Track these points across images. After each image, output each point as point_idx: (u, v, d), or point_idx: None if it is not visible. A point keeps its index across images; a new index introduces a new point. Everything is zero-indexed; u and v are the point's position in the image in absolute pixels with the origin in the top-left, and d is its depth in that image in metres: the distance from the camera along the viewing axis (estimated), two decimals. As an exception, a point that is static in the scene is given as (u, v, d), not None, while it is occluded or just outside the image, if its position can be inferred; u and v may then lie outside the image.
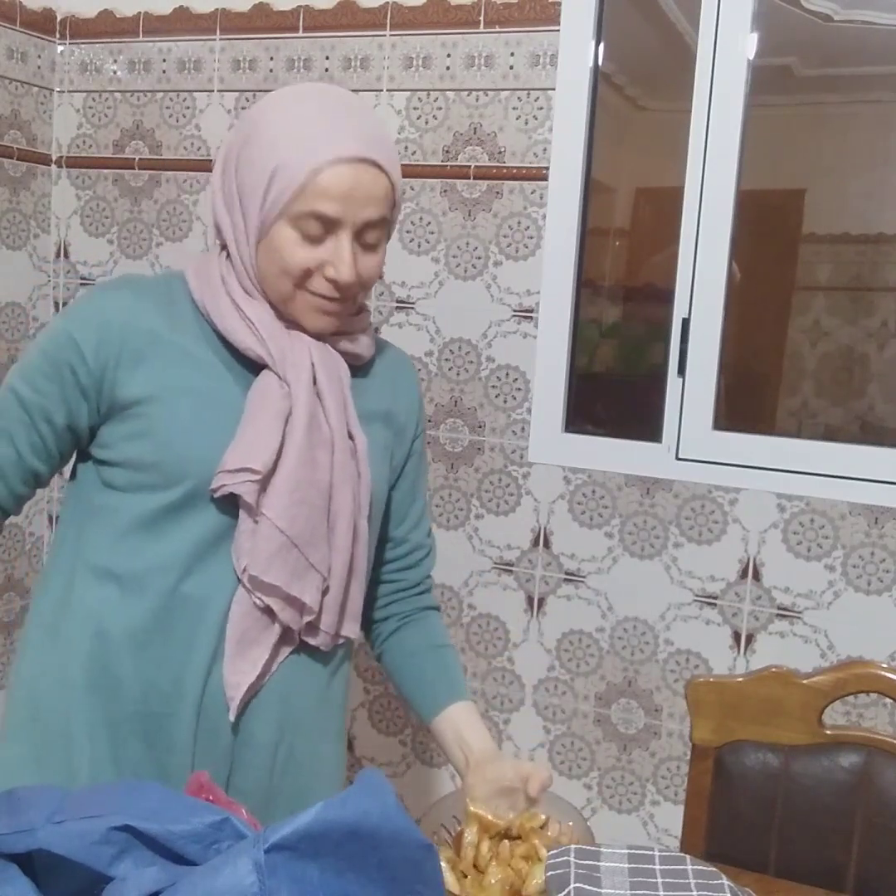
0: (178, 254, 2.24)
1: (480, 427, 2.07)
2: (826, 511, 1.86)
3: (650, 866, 0.94)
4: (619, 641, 2.01)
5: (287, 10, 2.12)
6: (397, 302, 2.10)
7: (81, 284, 2.36)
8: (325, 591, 1.16)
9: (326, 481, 1.14)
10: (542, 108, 1.96)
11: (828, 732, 1.30)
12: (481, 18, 1.98)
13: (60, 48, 2.32)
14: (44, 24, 2.27)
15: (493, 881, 0.98)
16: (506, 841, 1.03)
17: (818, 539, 1.87)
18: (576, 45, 1.93)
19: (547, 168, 1.97)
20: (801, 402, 2.24)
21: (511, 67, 1.97)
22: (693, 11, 1.87)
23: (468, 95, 2.01)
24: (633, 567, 1.99)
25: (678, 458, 1.95)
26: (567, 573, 2.04)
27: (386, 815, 0.64)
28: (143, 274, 1.31)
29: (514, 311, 2.02)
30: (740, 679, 1.34)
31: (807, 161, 2.21)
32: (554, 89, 1.95)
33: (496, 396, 2.05)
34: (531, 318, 2.01)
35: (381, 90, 2.07)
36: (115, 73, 2.28)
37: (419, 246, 2.07)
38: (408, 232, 2.08)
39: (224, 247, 1.17)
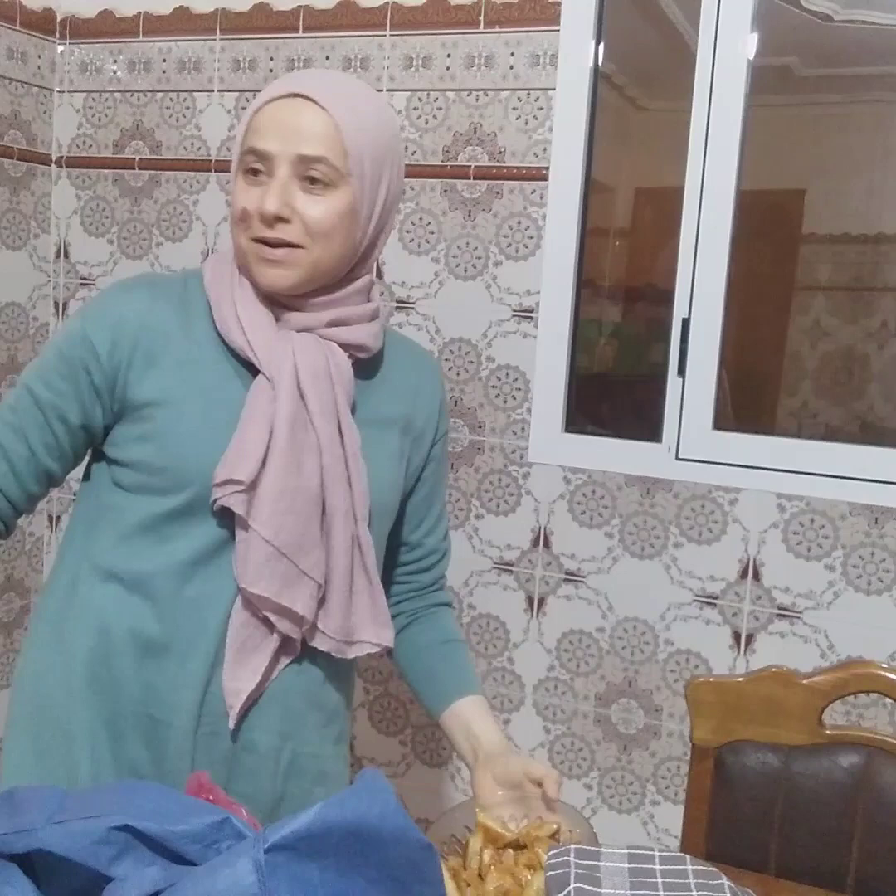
0: (178, 254, 2.24)
1: (480, 427, 2.07)
2: (826, 511, 1.86)
3: (650, 866, 0.94)
4: (619, 641, 2.01)
5: (287, 10, 2.12)
6: (397, 302, 2.10)
7: (81, 284, 2.36)
8: (323, 598, 1.14)
9: (315, 486, 1.12)
10: (542, 108, 1.96)
11: (828, 732, 1.30)
12: (481, 18, 1.98)
13: (60, 48, 2.32)
14: (44, 24, 2.27)
15: (491, 888, 0.97)
16: (510, 850, 1.03)
17: (818, 539, 1.87)
18: (576, 45, 1.93)
19: (547, 168, 1.97)
20: (801, 402, 2.25)
21: (511, 67, 1.97)
22: (693, 11, 1.87)
23: (468, 95, 2.01)
24: (633, 567, 1.99)
25: (678, 458, 1.95)
26: (567, 573, 2.04)
27: (386, 815, 0.64)
28: (162, 273, 1.31)
29: (514, 311, 2.02)
30: (740, 679, 1.34)
31: (807, 161, 2.21)
32: (554, 89, 1.95)
33: (496, 396, 2.05)
34: (531, 318, 2.01)
35: (381, 90, 2.06)
36: (115, 73, 2.28)
37: (419, 246, 2.07)
38: (408, 232, 2.08)
39: None
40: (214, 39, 2.18)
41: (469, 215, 2.04)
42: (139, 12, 2.23)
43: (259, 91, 2.16)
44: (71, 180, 2.34)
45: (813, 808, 1.30)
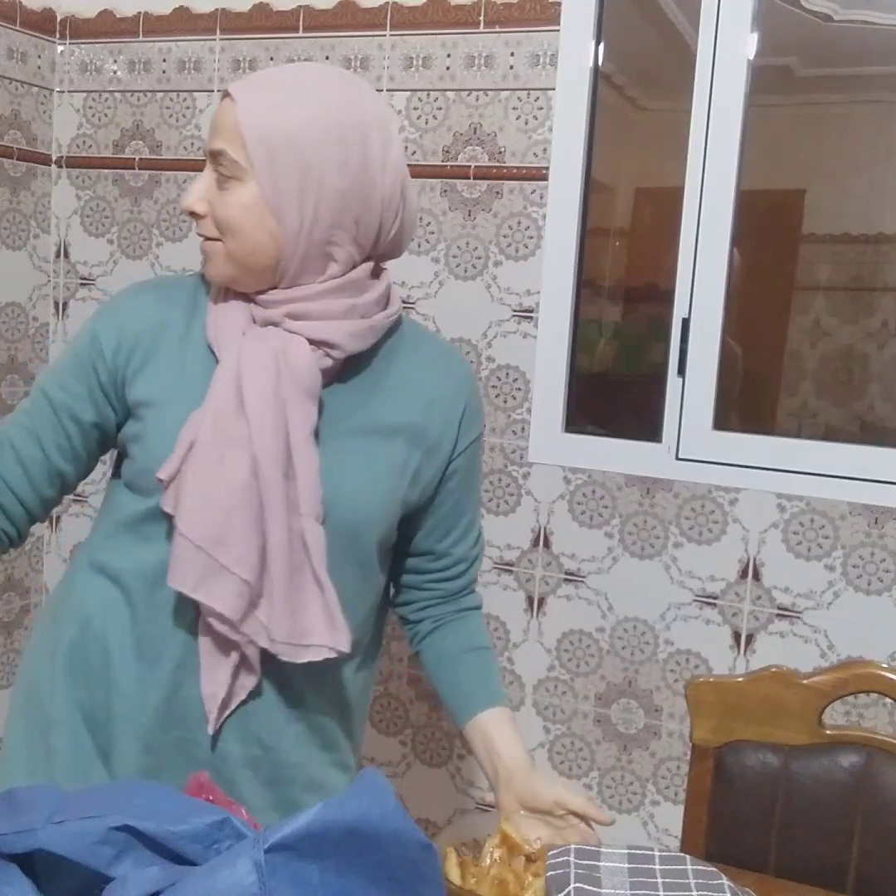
0: (177, 254, 2.24)
1: (480, 427, 2.07)
2: (826, 511, 1.86)
3: (650, 866, 0.94)
4: (619, 641, 2.01)
5: (287, 10, 2.12)
6: (397, 302, 2.10)
7: (81, 285, 2.36)
8: (261, 597, 1.09)
9: (242, 479, 1.07)
10: (542, 108, 1.96)
11: (828, 732, 1.30)
12: (481, 18, 1.98)
13: (60, 48, 2.32)
14: (44, 24, 2.27)
15: (491, 873, 0.99)
16: (523, 858, 1.03)
17: (818, 539, 1.87)
18: (576, 45, 1.93)
19: (547, 168, 1.97)
20: (801, 402, 2.24)
21: (511, 67, 1.97)
22: (693, 11, 1.87)
23: (468, 95, 2.01)
24: (633, 567, 1.99)
25: (678, 458, 1.95)
26: (567, 573, 2.04)
27: (386, 815, 0.64)
28: (182, 275, 1.30)
29: (514, 311, 2.02)
30: (740, 679, 1.34)
31: (807, 161, 2.21)
32: (554, 89, 1.95)
33: (496, 396, 2.05)
34: (531, 318, 2.01)
35: (382, 90, 2.06)
36: (115, 73, 2.28)
37: (419, 246, 2.07)
38: (408, 232, 2.08)
39: None
40: (214, 39, 2.18)
41: (469, 215, 2.04)
42: (139, 12, 2.23)
43: (259, 91, 2.17)
44: (71, 180, 2.34)
45: (813, 808, 1.30)
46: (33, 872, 0.68)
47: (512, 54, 1.97)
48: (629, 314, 2.31)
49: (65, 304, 2.37)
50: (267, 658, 1.12)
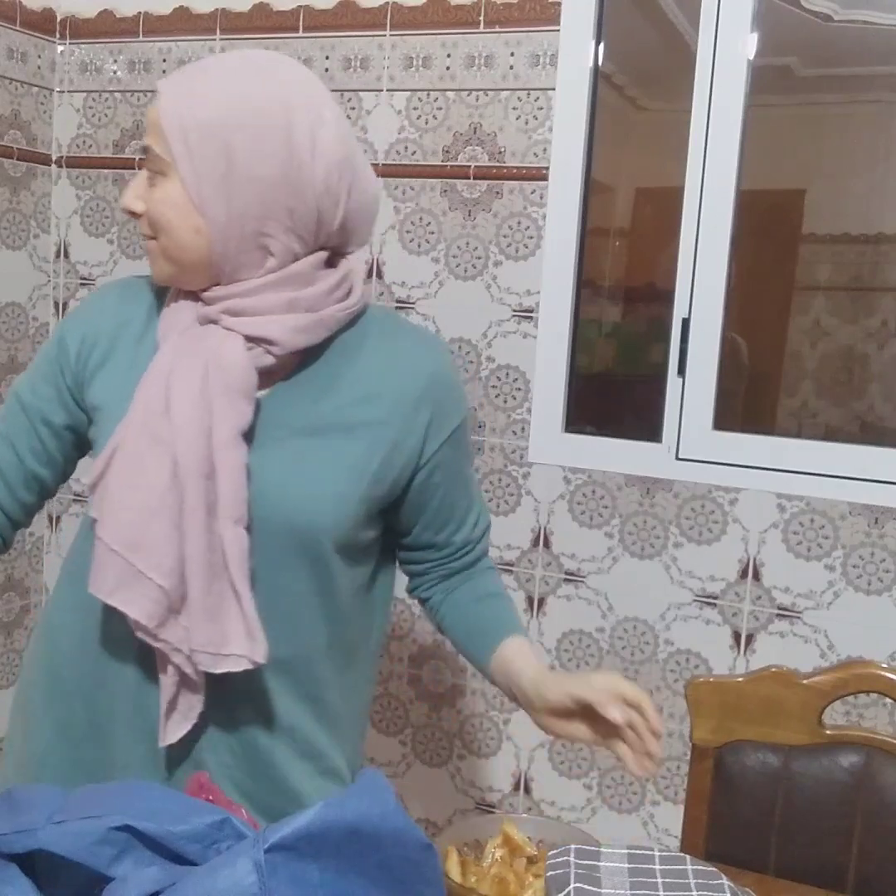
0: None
1: (480, 427, 2.07)
2: (826, 511, 1.86)
3: (650, 866, 0.94)
4: (619, 641, 2.01)
5: (287, 10, 2.12)
6: (397, 302, 2.10)
7: (81, 284, 2.36)
8: (182, 605, 1.05)
9: (162, 483, 1.03)
10: (542, 108, 1.96)
11: (828, 732, 1.30)
12: (481, 18, 1.98)
13: (60, 48, 2.32)
14: (44, 24, 2.27)
15: (491, 872, 0.99)
16: (525, 859, 1.03)
17: (818, 539, 1.87)
18: (576, 45, 1.93)
19: (547, 168, 1.97)
20: (801, 402, 2.24)
21: (511, 67, 1.97)
22: (693, 11, 1.87)
23: (468, 95, 2.01)
24: (633, 567, 1.99)
25: (678, 458, 1.95)
26: (567, 573, 2.04)
27: (386, 815, 0.64)
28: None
29: (514, 311, 2.02)
30: (740, 679, 1.34)
31: (807, 161, 2.21)
32: (554, 89, 1.95)
33: (496, 396, 2.05)
34: (531, 318, 2.01)
35: (381, 90, 2.07)
36: (115, 73, 2.28)
37: (419, 246, 2.07)
38: (408, 232, 2.08)
39: None
40: (214, 39, 2.18)
41: (469, 215, 2.04)
42: (139, 12, 2.23)
43: (259, 91, 2.17)
44: (71, 180, 2.34)
45: (813, 808, 1.30)
46: (33, 872, 0.68)
47: (512, 54, 1.97)
48: (629, 314, 2.31)
49: (65, 304, 2.37)
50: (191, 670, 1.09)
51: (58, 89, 2.33)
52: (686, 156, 1.89)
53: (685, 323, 1.92)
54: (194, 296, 1.11)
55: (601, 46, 1.95)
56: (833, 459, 1.86)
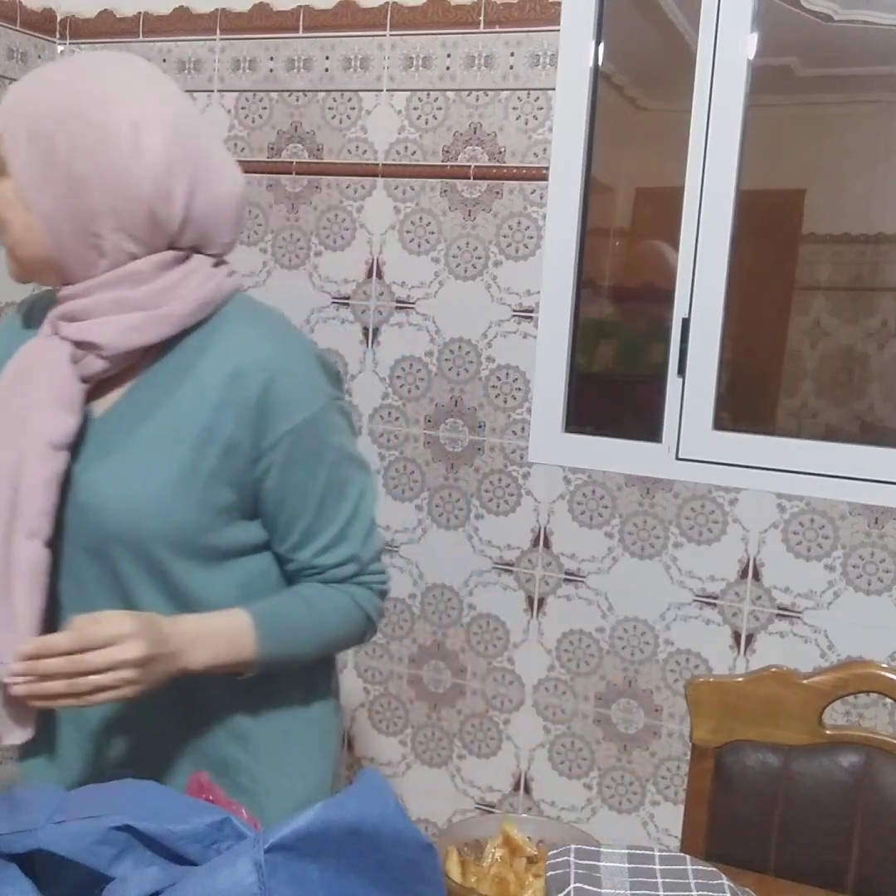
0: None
1: (480, 427, 2.07)
2: (826, 511, 1.86)
3: (650, 866, 0.94)
4: (619, 641, 2.01)
5: (287, 10, 2.12)
6: (397, 302, 2.10)
7: (81, 284, 2.35)
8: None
9: None
10: (542, 108, 1.96)
11: (828, 732, 1.30)
12: (481, 18, 1.98)
13: (60, 48, 2.31)
14: (44, 24, 2.27)
15: (491, 872, 0.99)
16: (524, 859, 1.03)
17: (818, 539, 1.87)
18: (576, 45, 1.93)
19: (547, 168, 1.97)
20: (801, 402, 2.24)
21: (511, 67, 1.97)
22: (693, 11, 1.87)
23: (468, 95, 2.01)
24: (633, 567, 1.99)
25: (678, 458, 1.95)
26: (567, 573, 2.04)
27: (385, 815, 0.64)
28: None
29: (514, 311, 2.02)
30: (740, 679, 1.34)
31: (807, 161, 2.21)
32: (554, 89, 1.95)
33: (496, 396, 2.05)
34: (531, 318, 2.01)
35: (381, 90, 2.06)
36: (115, 73, 2.28)
37: (419, 246, 2.07)
38: (408, 232, 2.08)
39: None
40: (214, 39, 2.18)
41: (469, 215, 2.04)
42: (139, 12, 2.23)
43: (259, 91, 2.18)
44: (71, 180, 2.34)
45: (813, 808, 1.30)
46: (33, 872, 0.68)
47: (512, 54, 1.97)
48: (629, 314, 2.31)
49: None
50: None
51: (58, 89, 2.33)
52: (686, 156, 1.89)
53: (685, 323, 1.92)
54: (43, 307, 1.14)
55: (601, 46, 1.95)
56: (833, 459, 1.86)
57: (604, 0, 1.94)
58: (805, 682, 1.30)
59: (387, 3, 2.04)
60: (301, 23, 2.11)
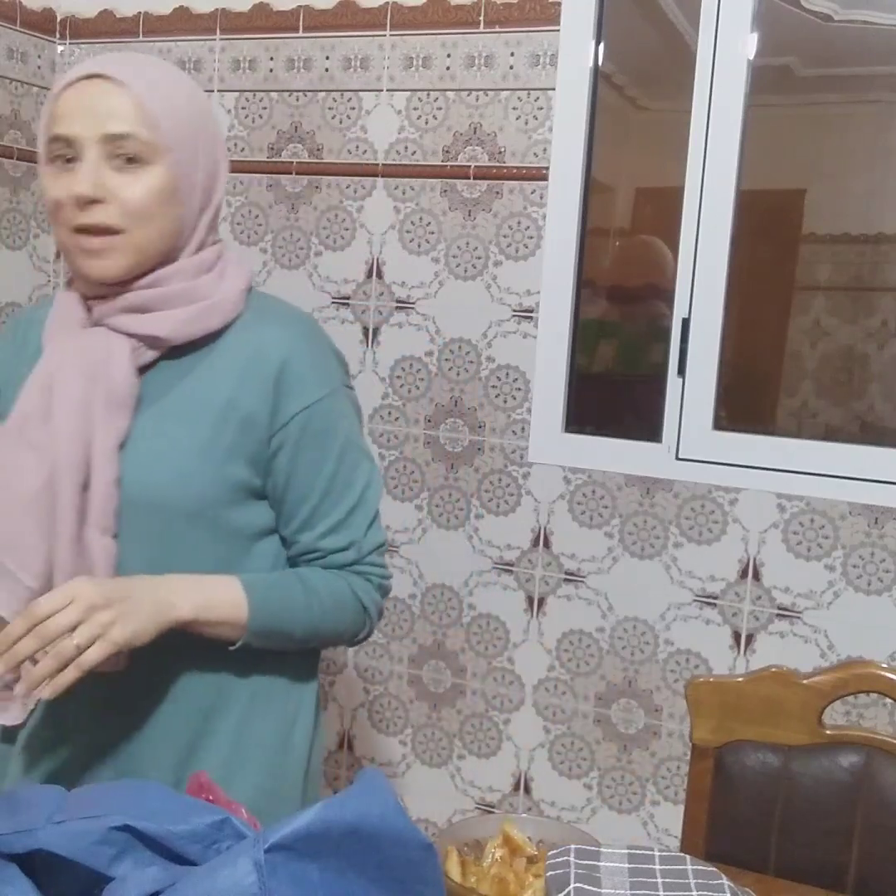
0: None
1: (480, 427, 2.07)
2: (826, 511, 1.86)
3: (650, 866, 0.93)
4: (619, 641, 2.01)
5: (287, 10, 2.12)
6: (397, 302, 2.10)
7: (81, 284, 2.35)
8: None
9: (37, 487, 1.05)
10: (542, 108, 1.96)
11: (828, 732, 1.30)
12: (481, 18, 1.98)
13: (60, 48, 2.31)
14: (44, 24, 2.27)
15: (491, 872, 0.99)
16: (524, 859, 1.03)
17: (818, 539, 1.87)
18: (576, 45, 1.93)
19: (547, 168, 1.97)
20: (801, 402, 2.24)
21: (511, 67, 1.97)
22: (693, 11, 1.87)
23: (468, 95, 2.01)
24: (633, 567, 1.99)
25: (678, 458, 1.95)
26: (567, 573, 2.04)
27: (386, 815, 0.64)
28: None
29: (514, 311, 2.02)
30: (740, 679, 1.34)
31: (807, 161, 2.21)
32: (554, 89, 1.95)
33: (496, 396, 2.05)
34: (531, 318, 2.01)
35: (381, 90, 2.06)
36: (115, 73, 2.28)
37: (419, 246, 2.07)
38: (408, 232, 2.08)
39: None
40: (214, 39, 2.18)
41: (469, 215, 2.04)
42: (139, 12, 2.23)
43: (259, 91, 2.17)
44: (71, 180, 2.34)
45: (813, 808, 1.30)
46: (33, 872, 0.68)
47: (512, 54, 1.97)
48: (629, 314, 2.31)
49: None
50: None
51: (58, 89, 2.33)
52: (686, 156, 1.89)
53: (685, 323, 1.92)
54: (81, 296, 1.13)
55: (601, 46, 1.95)
56: (833, 459, 1.86)
57: (604, 0, 1.94)
58: (805, 682, 1.30)
59: (387, 3, 2.04)
60: (301, 23, 2.11)
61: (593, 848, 0.96)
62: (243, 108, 2.18)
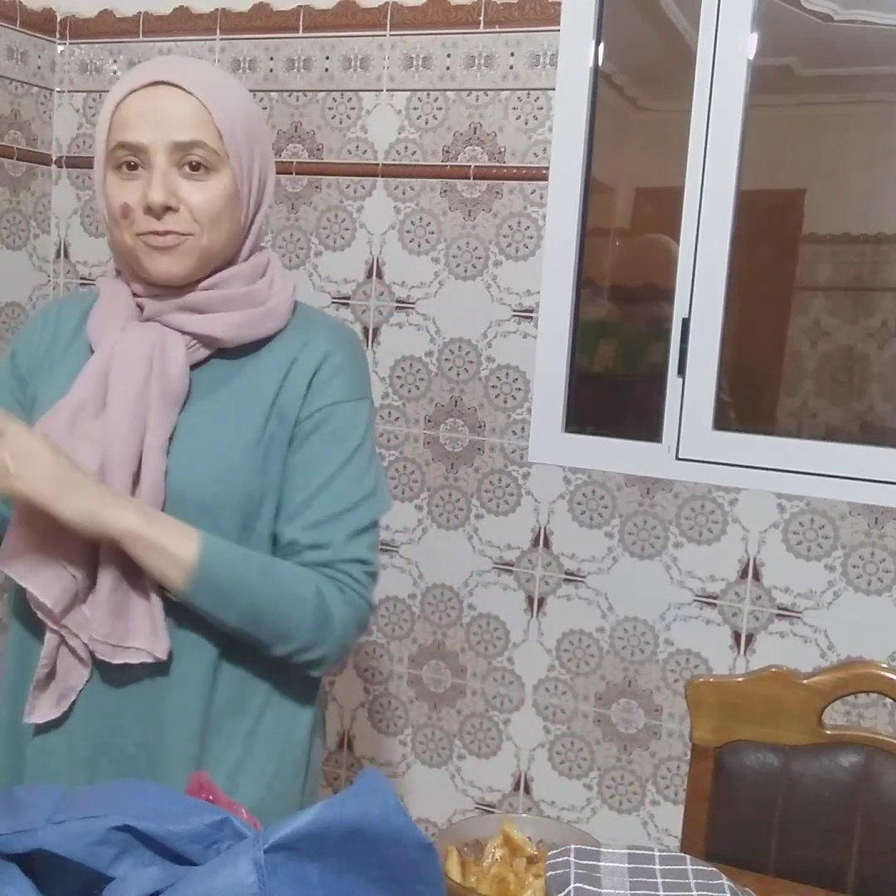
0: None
1: (480, 427, 2.07)
2: (826, 511, 1.86)
3: (650, 866, 0.93)
4: (619, 641, 2.01)
5: (287, 10, 2.12)
6: (397, 302, 2.10)
7: (81, 284, 2.36)
8: (90, 594, 1.08)
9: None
10: (542, 108, 1.96)
11: (828, 732, 1.30)
12: (481, 18, 1.98)
13: (60, 48, 2.31)
14: (44, 24, 2.27)
15: (491, 872, 0.99)
16: (524, 860, 1.03)
17: (818, 539, 1.87)
18: (576, 45, 1.93)
19: (547, 168, 1.97)
20: (801, 402, 2.24)
21: (511, 67, 1.97)
22: (693, 11, 1.87)
23: (468, 95, 2.01)
24: (633, 567, 1.99)
25: (678, 458, 1.95)
26: (567, 573, 2.04)
27: (386, 815, 0.64)
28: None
29: (514, 311, 2.02)
30: (740, 679, 1.34)
31: (807, 161, 2.21)
32: (554, 89, 1.95)
33: (496, 396, 2.05)
34: (531, 318, 2.01)
35: (381, 90, 2.06)
36: (115, 73, 2.28)
37: (419, 246, 2.07)
38: (408, 232, 2.08)
39: None
40: (214, 39, 2.18)
41: (469, 215, 2.04)
42: (139, 12, 2.23)
43: (259, 91, 2.17)
44: (71, 180, 2.34)
45: (813, 808, 1.30)
46: (33, 872, 0.68)
47: (512, 54, 1.97)
48: (629, 314, 2.31)
49: (65, 304, 2.37)
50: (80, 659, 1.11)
51: (58, 89, 2.33)
52: (686, 156, 1.89)
53: (685, 323, 1.92)
54: (130, 293, 1.14)
55: (601, 46, 1.95)
56: (833, 459, 1.86)
57: (604, 0, 1.94)
58: (805, 682, 1.31)
59: (387, 3, 2.04)
60: (301, 23, 2.11)
61: (593, 848, 0.96)
62: (243, 108, 2.17)
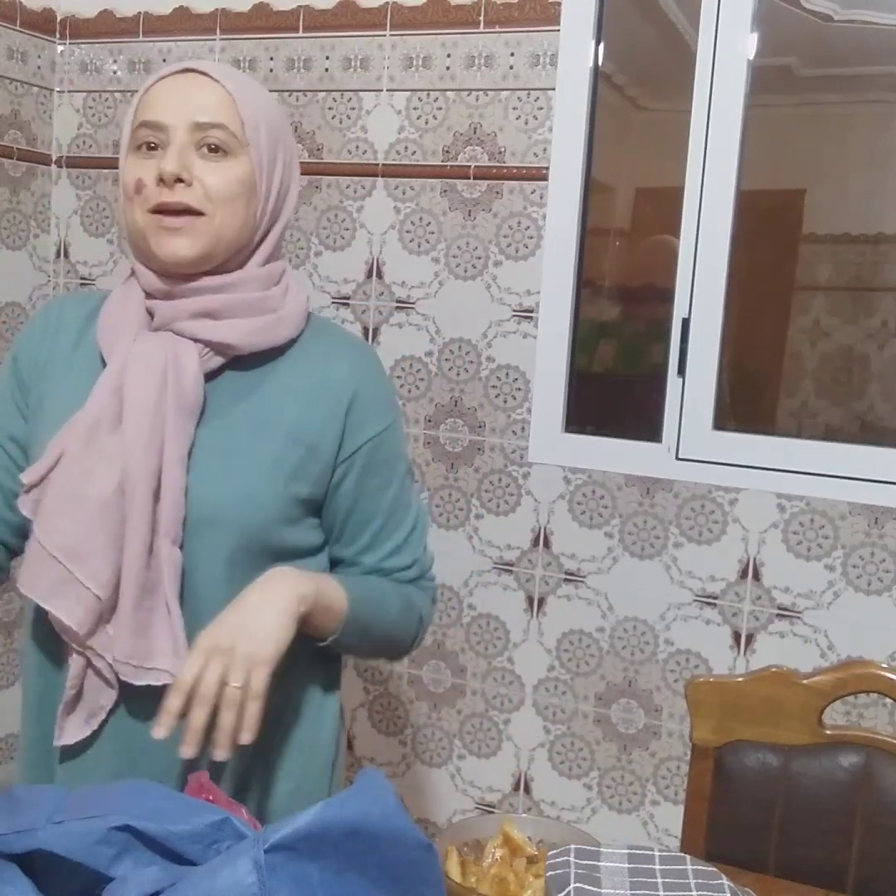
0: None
1: (480, 427, 2.07)
2: (826, 511, 1.86)
3: (650, 866, 0.93)
4: (619, 641, 2.01)
5: (287, 10, 2.12)
6: (397, 302, 2.10)
7: (81, 284, 2.36)
8: (112, 614, 1.07)
9: (108, 494, 1.04)
10: (542, 108, 1.96)
11: (828, 732, 1.30)
12: (481, 18, 1.98)
13: (60, 48, 2.31)
14: (44, 24, 2.27)
15: (491, 872, 0.99)
16: (524, 860, 1.03)
17: (818, 539, 1.87)
18: (576, 45, 1.93)
19: (547, 168, 1.97)
20: (801, 401, 2.24)
21: (511, 67, 1.97)
22: (693, 11, 1.87)
23: (468, 95, 2.01)
24: (633, 567, 1.99)
25: (678, 458, 1.95)
26: (567, 573, 2.04)
27: (386, 815, 0.64)
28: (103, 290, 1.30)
29: (514, 311, 2.02)
30: (740, 679, 1.34)
31: (807, 161, 2.21)
32: (554, 89, 1.95)
33: (496, 396, 2.05)
34: (531, 318, 2.01)
35: (381, 90, 2.06)
36: (115, 73, 2.28)
37: (419, 246, 2.07)
38: (408, 232, 2.08)
39: None
40: (214, 39, 2.18)
41: (469, 215, 2.04)
42: (139, 12, 2.23)
43: (259, 91, 2.16)
44: (71, 180, 2.34)
45: (813, 808, 1.30)
46: (33, 872, 0.68)
47: (512, 54, 1.97)
48: (629, 314, 2.31)
49: (65, 304, 2.37)
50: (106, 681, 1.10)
51: (58, 89, 2.33)
52: (686, 156, 1.89)
53: (685, 323, 1.92)
54: (141, 298, 1.12)
55: (601, 46, 1.95)
56: (833, 459, 1.86)
57: (604, 0, 1.94)
58: (805, 682, 1.31)
59: (387, 3, 2.04)
60: (301, 23, 2.11)
61: (593, 848, 0.96)
62: (243, 108, 2.17)
